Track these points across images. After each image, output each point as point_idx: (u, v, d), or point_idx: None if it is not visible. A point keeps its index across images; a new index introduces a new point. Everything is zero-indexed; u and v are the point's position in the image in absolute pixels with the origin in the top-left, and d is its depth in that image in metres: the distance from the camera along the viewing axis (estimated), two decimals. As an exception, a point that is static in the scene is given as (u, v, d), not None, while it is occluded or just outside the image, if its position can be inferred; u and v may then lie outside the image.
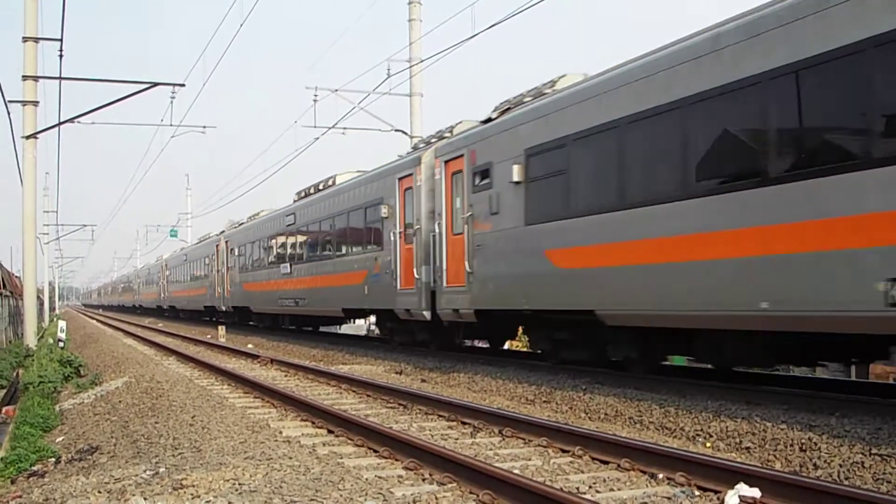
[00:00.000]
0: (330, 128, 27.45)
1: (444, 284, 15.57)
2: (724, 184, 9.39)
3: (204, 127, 31.90)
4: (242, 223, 34.51)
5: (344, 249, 21.32)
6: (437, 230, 15.85)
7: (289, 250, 26.27)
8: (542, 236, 12.52)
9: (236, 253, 33.39)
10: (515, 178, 13.07)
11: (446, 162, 15.61)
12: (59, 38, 23.29)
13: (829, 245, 8.04)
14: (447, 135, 16.48)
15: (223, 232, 37.48)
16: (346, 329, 32.15)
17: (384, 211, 18.27)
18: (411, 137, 26.03)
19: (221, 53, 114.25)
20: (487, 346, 19.39)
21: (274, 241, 27.92)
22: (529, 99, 13.63)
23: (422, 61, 25.29)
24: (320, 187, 24.06)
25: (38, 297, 35.24)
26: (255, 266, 30.58)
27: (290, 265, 25.74)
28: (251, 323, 34.11)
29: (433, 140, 17.16)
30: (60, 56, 23.39)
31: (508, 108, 14.16)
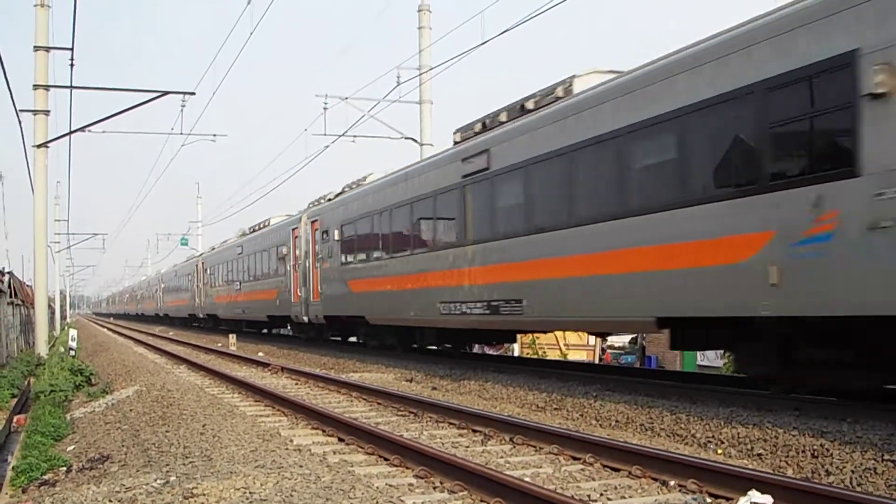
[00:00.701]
0: (340, 136, 27.69)
1: (312, 299, 23.79)
2: (396, 252, 18.18)
3: (214, 135, 32.20)
4: (215, 248, 43.70)
5: (267, 274, 29.73)
6: (308, 265, 24.13)
7: (238, 272, 34.99)
8: (347, 272, 21.16)
9: (209, 272, 42.49)
10: (336, 238, 21.70)
11: (311, 222, 24.07)
12: (70, 47, 23.40)
13: (425, 285, 16.55)
14: (322, 200, 23.89)
15: (202, 254, 47.66)
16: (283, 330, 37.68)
17: (285, 250, 26.50)
18: (421, 145, 26.06)
19: (232, 62, 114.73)
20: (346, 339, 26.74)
21: (230, 264, 36.82)
22: (354, 185, 21.71)
23: (432, 69, 25.33)
24: (260, 226, 32.26)
25: (50, 305, 35.40)
26: (219, 283, 39.68)
27: (240, 283, 34.55)
28: (222, 327, 41.95)
29: (315, 203, 24.68)
30: (71, 65, 23.47)
31: (343, 191, 22.31)
